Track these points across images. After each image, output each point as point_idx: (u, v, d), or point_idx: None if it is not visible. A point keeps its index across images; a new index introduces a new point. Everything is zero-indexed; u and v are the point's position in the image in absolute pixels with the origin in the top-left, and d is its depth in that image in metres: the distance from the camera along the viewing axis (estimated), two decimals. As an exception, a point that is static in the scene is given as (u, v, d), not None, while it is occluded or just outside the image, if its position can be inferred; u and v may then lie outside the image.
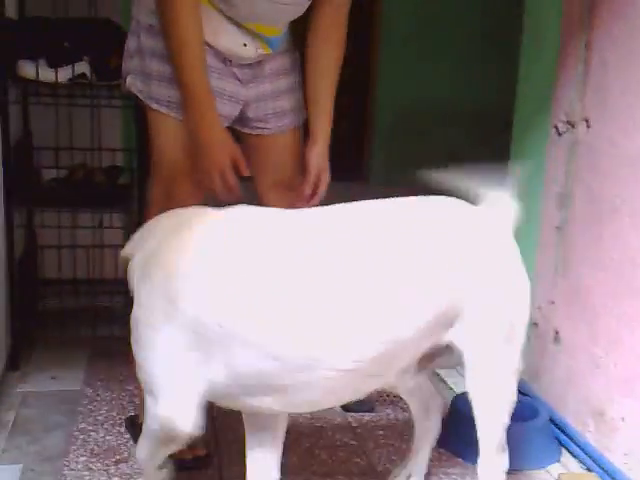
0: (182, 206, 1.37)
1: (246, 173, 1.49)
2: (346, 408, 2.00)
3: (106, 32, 2.20)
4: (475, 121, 3.45)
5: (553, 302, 1.85)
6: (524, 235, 2.13)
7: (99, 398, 2.04)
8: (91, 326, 2.31)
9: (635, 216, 1.60)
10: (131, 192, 2.29)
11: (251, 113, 1.67)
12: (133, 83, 1.59)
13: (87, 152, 2.31)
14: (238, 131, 1.71)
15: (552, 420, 1.82)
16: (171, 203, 1.47)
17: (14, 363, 2.16)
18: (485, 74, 3.41)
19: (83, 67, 2.13)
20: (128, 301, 2.49)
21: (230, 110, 1.62)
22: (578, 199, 1.80)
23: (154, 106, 1.56)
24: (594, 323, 1.71)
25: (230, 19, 1.56)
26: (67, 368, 2.19)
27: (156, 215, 1.35)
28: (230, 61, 1.61)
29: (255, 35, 1.59)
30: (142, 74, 1.57)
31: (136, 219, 2.23)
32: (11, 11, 2.25)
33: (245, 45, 1.59)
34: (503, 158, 2.24)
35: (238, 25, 1.57)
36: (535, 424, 1.79)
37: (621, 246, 1.64)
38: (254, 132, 1.71)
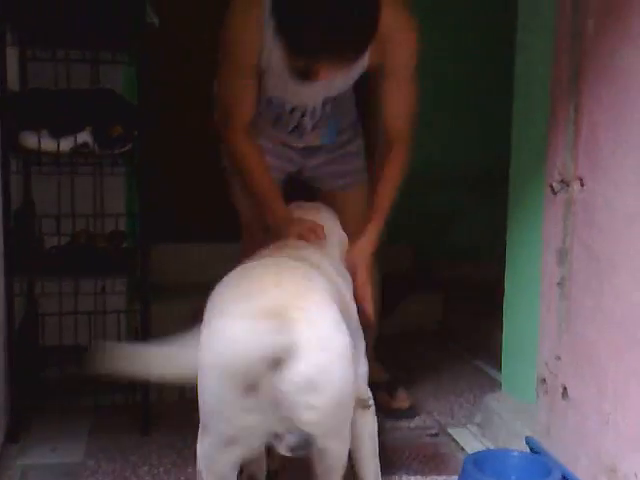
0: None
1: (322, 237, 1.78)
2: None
3: (108, 102, 2.24)
4: (474, 182, 3.53)
5: (559, 358, 1.86)
6: (527, 292, 2.19)
7: (101, 470, 2.00)
8: (92, 395, 2.27)
9: (634, 272, 1.62)
10: (134, 256, 2.28)
11: (307, 173, 2.21)
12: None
13: (89, 218, 2.32)
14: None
15: (565, 478, 1.80)
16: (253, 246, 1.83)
17: (14, 435, 2.12)
18: (482, 134, 3.50)
19: (85, 136, 2.15)
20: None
21: (286, 167, 2.15)
22: (577, 256, 1.83)
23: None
24: (601, 378, 1.71)
25: None
26: (68, 439, 2.15)
27: (247, 256, 1.65)
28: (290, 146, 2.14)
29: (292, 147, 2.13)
30: None
31: (139, 283, 2.24)
32: (13, 83, 2.29)
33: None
34: (502, 217, 2.30)
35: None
36: (547, 483, 1.78)
37: (622, 302, 1.66)
38: (315, 185, 2.24)
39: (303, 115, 2.02)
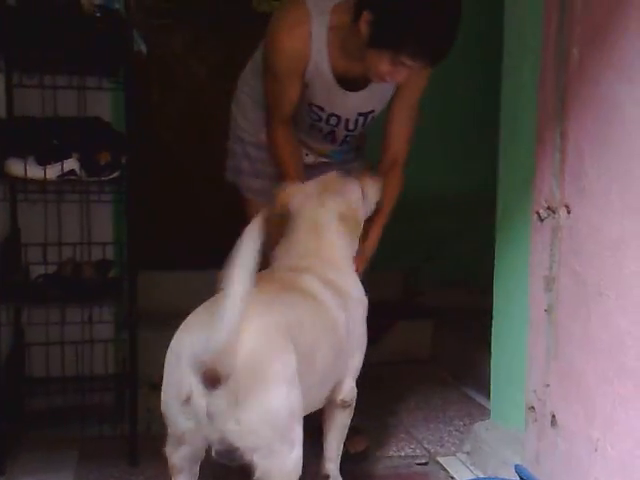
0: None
1: None
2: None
3: (95, 129, 2.24)
4: (464, 209, 3.54)
5: (548, 385, 1.86)
6: (515, 319, 2.19)
7: (89, 502, 1.97)
8: (79, 426, 2.24)
9: (621, 298, 1.63)
10: (121, 285, 2.27)
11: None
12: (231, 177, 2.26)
13: (76, 247, 2.30)
14: None
15: (555, 506, 1.79)
16: None
17: (0, 467, 2.08)
18: (471, 159, 3.52)
19: (72, 164, 2.15)
20: (118, 398, 2.45)
21: None
22: (564, 282, 1.84)
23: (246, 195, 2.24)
24: (589, 405, 1.71)
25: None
26: (55, 471, 2.11)
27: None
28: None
29: (312, 149, 2.26)
30: (236, 171, 2.25)
31: (127, 312, 2.22)
32: (0, 111, 2.29)
33: (307, 155, 2.26)
34: (490, 242, 2.30)
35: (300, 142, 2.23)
36: (538, 511, 1.77)
37: (609, 328, 1.66)
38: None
39: (337, 124, 2.14)
